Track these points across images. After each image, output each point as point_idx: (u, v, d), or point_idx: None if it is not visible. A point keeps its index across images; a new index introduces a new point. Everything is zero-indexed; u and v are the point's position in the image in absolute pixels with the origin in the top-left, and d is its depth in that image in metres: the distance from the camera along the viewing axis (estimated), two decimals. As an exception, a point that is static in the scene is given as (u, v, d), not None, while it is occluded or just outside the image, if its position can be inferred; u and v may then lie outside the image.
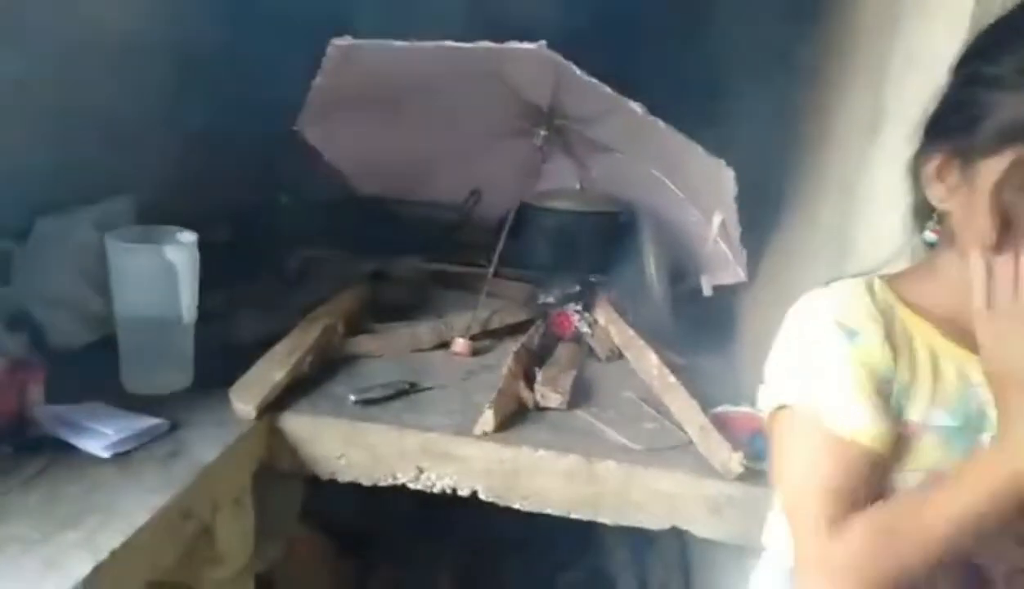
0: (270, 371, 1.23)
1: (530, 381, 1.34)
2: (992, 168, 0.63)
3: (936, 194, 0.69)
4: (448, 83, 1.57)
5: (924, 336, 0.72)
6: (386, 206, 1.80)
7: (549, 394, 1.29)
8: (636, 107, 1.27)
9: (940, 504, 0.63)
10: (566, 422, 1.26)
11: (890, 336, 0.71)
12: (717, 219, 1.41)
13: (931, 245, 0.73)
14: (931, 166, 0.69)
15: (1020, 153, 0.62)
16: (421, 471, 1.19)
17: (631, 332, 1.54)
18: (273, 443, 1.21)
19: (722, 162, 1.29)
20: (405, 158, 1.76)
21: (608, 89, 1.26)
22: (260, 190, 1.76)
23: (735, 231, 1.42)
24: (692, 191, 1.55)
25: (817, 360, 0.71)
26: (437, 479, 1.20)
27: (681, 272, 1.63)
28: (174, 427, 1.12)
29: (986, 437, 0.68)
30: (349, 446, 1.20)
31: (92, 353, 1.27)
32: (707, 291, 1.56)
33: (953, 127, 0.67)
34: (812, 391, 0.70)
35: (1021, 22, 0.65)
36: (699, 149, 1.31)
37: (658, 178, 1.62)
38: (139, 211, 1.46)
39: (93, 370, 1.19)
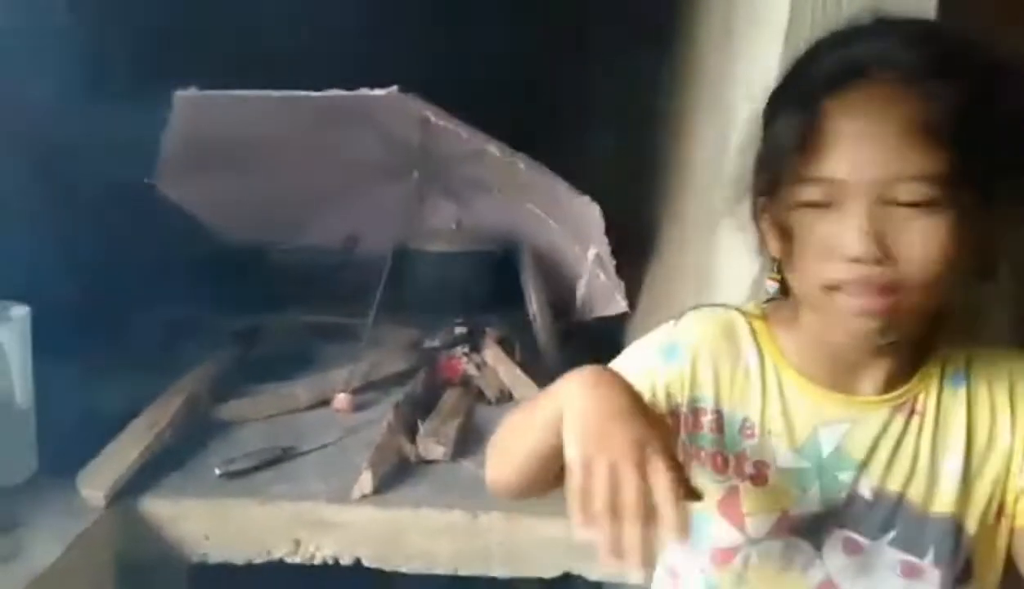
0: (123, 450, 1.14)
1: (413, 433, 1.29)
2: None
3: (771, 243, 0.68)
4: (311, 128, 1.52)
5: (780, 374, 0.70)
6: (259, 258, 1.72)
7: (431, 446, 1.24)
8: (494, 149, 1.25)
9: (513, 419, 0.70)
10: (450, 474, 1.21)
11: (733, 368, 0.70)
12: (591, 252, 1.41)
13: (774, 295, 0.71)
14: (763, 218, 0.68)
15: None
16: (298, 544, 1.12)
17: (519, 371, 1.52)
18: (131, 529, 1.10)
19: (587, 198, 1.29)
20: (273, 206, 1.69)
21: (466, 131, 1.24)
22: (115, 248, 1.64)
23: (610, 263, 1.43)
24: (568, 225, 1.55)
25: (628, 357, 0.75)
26: (316, 551, 1.12)
27: (565, 306, 1.63)
28: (12, 525, 1.00)
29: (846, 475, 0.67)
30: (216, 524, 1.11)
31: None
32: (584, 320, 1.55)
33: (758, 175, 0.67)
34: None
35: (798, 61, 0.66)
36: (564, 186, 1.31)
37: (535, 213, 1.61)
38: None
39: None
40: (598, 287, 1.57)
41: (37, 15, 1.40)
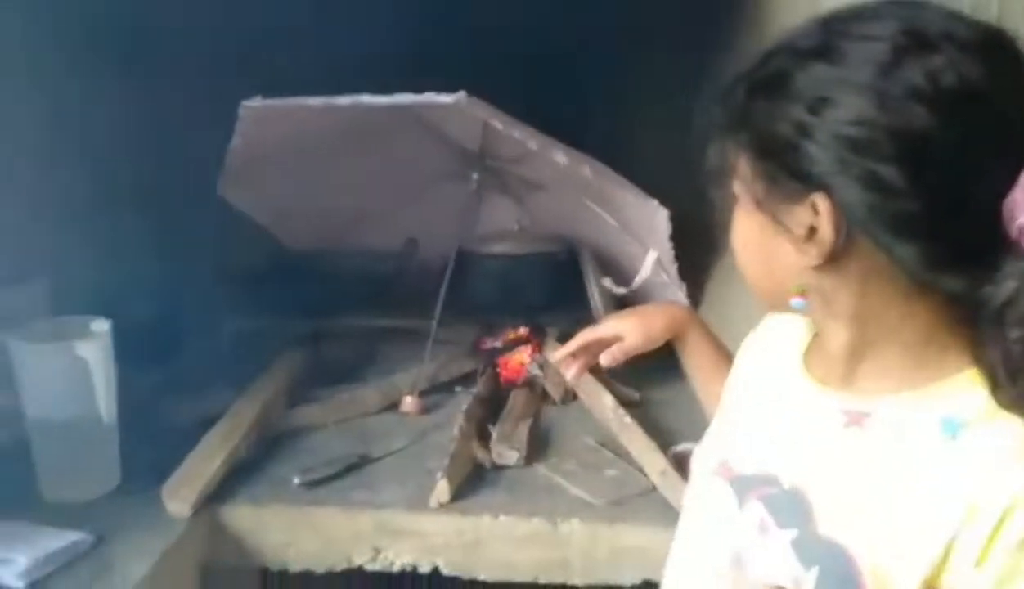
0: (204, 462, 1.15)
1: (485, 438, 1.28)
2: None
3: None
4: (373, 134, 1.51)
5: (797, 357, 0.70)
6: (321, 264, 1.73)
7: (505, 452, 1.23)
8: (561, 157, 1.23)
9: None
10: (525, 479, 1.20)
11: (768, 342, 0.76)
12: (651, 256, 1.38)
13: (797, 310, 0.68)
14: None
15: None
16: (378, 552, 1.12)
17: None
18: (215, 540, 1.12)
19: (655, 202, 1.27)
20: (336, 212, 1.70)
21: (533, 141, 1.22)
22: (184, 260, 1.67)
23: (672, 266, 1.40)
24: (629, 224, 1.52)
25: None
26: (395, 558, 1.12)
27: (626, 304, 1.60)
28: (100, 540, 1.02)
29: (776, 455, 0.66)
30: (297, 533, 1.12)
31: (4, 459, 1.17)
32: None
33: None
34: None
35: None
36: (633, 190, 1.28)
37: (595, 211, 1.59)
38: (52, 293, 1.36)
39: (5, 478, 1.09)
40: (660, 286, 1.54)
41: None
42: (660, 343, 0.96)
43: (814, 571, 0.58)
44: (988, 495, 0.51)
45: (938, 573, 0.53)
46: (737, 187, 0.63)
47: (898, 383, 0.59)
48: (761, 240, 0.63)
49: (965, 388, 0.56)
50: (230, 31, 1.66)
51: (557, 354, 1.04)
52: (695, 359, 0.96)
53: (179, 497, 1.08)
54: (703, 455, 0.76)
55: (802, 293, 0.62)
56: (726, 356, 0.92)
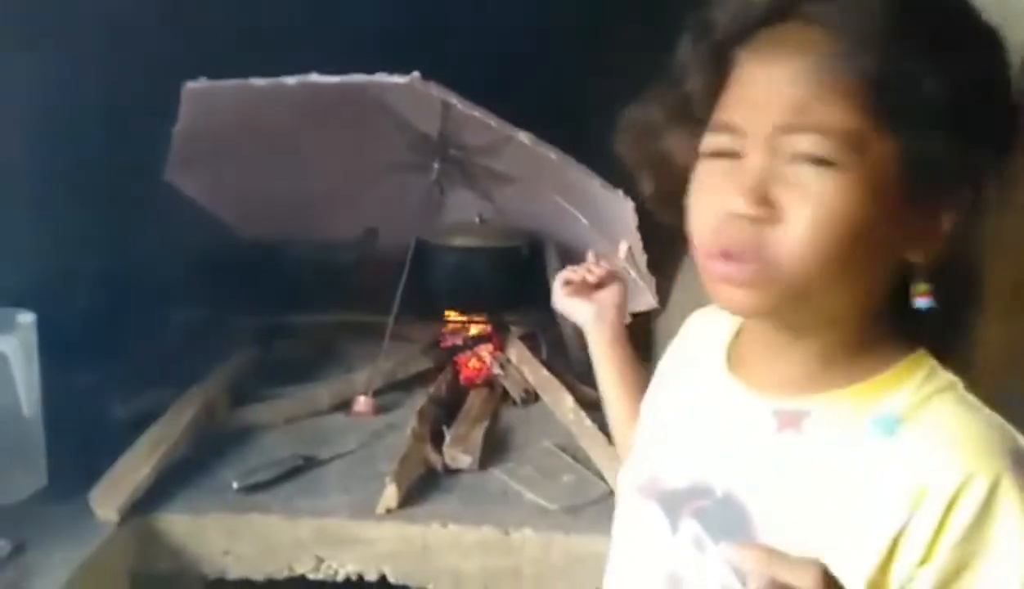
0: (137, 464, 1.09)
1: (438, 440, 1.23)
2: None
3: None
4: (328, 118, 1.45)
5: (722, 351, 0.65)
6: (274, 254, 1.66)
7: (458, 455, 1.18)
8: (524, 138, 1.18)
9: None
10: (478, 484, 1.15)
11: (687, 340, 0.73)
12: (623, 246, 1.33)
13: None
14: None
15: None
16: (321, 560, 1.07)
17: (545, 371, 1.45)
18: (147, 547, 1.06)
19: (620, 193, 1.22)
20: (291, 199, 1.62)
21: (493, 120, 1.17)
22: (130, 249, 1.59)
23: (641, 258, 1.35)
24: (597, 219, 1.47)
25: None
26: (339, 567, 1.07)
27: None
28: (20, 547, 0.95)
29: (709, 462, 0.61)
30: (235, 540, 1.06)
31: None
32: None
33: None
34: None
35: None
36: (597, 180, 1.23)
37: (562, 206, 1.54)
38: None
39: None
40: (629, 282, 1.49)
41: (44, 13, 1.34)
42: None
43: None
44: (937, 478, 0.49)
45: (883, 570, 0.50)
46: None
47: (831, 380, 0.56)
48: (877, 213, 0.50)
49: (897, 382, 0.54)
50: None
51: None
52: (612, 364, 0.87)
53: (107, 502, 1.02)
54: (629, 475, 0.70)
55: (926, 292, 0.53)
56: (641, 372, 0.87)
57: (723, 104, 0.54)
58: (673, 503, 0.62)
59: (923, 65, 0.49)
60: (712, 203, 0.53)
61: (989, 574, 0.48)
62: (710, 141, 0.54)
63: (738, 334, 0.65)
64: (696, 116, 0.56)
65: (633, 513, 0.67)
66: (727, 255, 0.52)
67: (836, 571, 0.44)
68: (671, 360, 0.75)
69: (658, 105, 0.61)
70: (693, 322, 0.74)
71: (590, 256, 0.93)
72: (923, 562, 0.49)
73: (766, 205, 0.50)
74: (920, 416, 0.52)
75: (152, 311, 1.49)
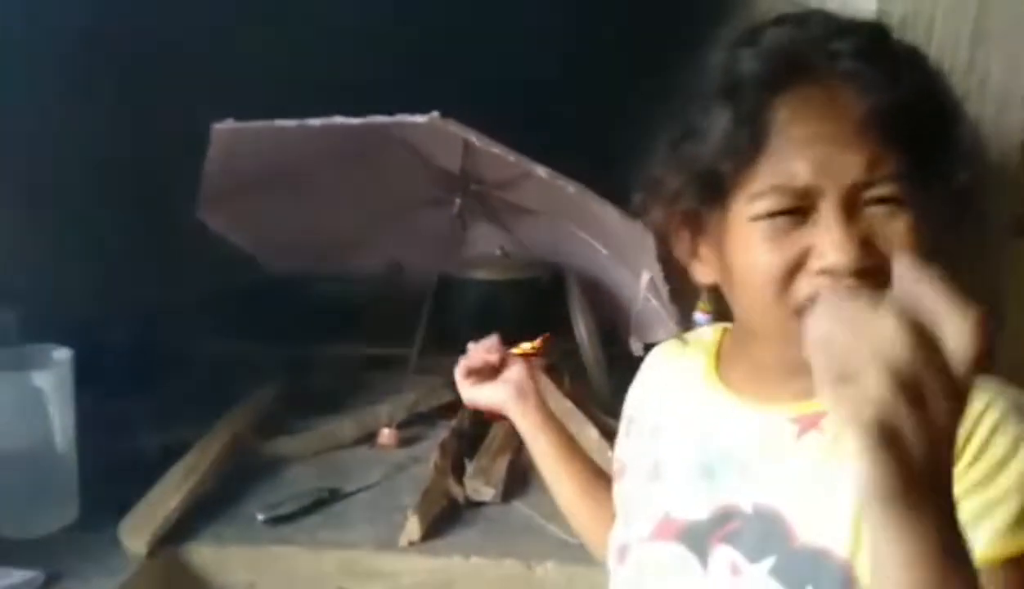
0: (165, 497, 1.10)
1: (460, 473, 1.23)
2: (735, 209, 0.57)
3: (698, 272, 0.63)
4: (352, 156, 1.49)
5: (703, 382, 0.68)
6: (301, 289, 1.69)
7: (481, 488, 1.18)
8: (542, 172, 1.20)
9: None
10: (501, 518, 1.15)
11: (659, 377, 0.74)
12: (645, 277, 1.34)
13: (701, 326, 0.71)
14: (681, 249, 0.63)
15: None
16: (344, 592, 1.07)
17: (568, 403, 1.45)
18: (174, 579, 1.07)
19: (639, 224, 1.22)
20: (318, 235, 1.67)
21: (512, 155, 1.19)
22: (161, 285, 1.63)
23: (664, 288, 1.36)
24: (617, 250, 1.49)
25: None
26: (363, 599, 1.07)
27: (614, 333, 1.56)
28: (52, 579, 0.97)
29: (730, 482, 0.62)
30: (260, 573, 1.07)
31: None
32: (637, 350, 1.49)
33: (667, 200, 0.61)
34: None
35: (715, 61, 0.61)
36: (616, 211, 1.24)
37: (583, 238, 1.55)
38: (22, 322, 1.32)
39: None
40: (649, 312, 1.49)
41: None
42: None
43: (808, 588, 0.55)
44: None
45: None
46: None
47: None
48: (925, 240, 0.55)
49: None
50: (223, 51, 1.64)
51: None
52: (550, 441, 0.88)
53: (136, 534, 1.03)
54: (632, 530, 0.68)
55: None
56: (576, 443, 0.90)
57: (772, 162, 0.55)
58: (697, 537, 0.62)
59: (927, 101, 0.54)
60: (787, 261, 0.54)
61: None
62: (772, 203, 0.55)
63: (719, 360, 0.68)
64: (724, 181, 0.57)
65: (651, 564, 0.65)
66: None
67: None
68: (640, 404, 0.76)
69: (680, 170, 0.60)
70: (653, 364, 0.78)
71: (476, 347, 0.94)
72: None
73: (863, 254, 0.53)
74: None
75: (184, 346, 1.53)
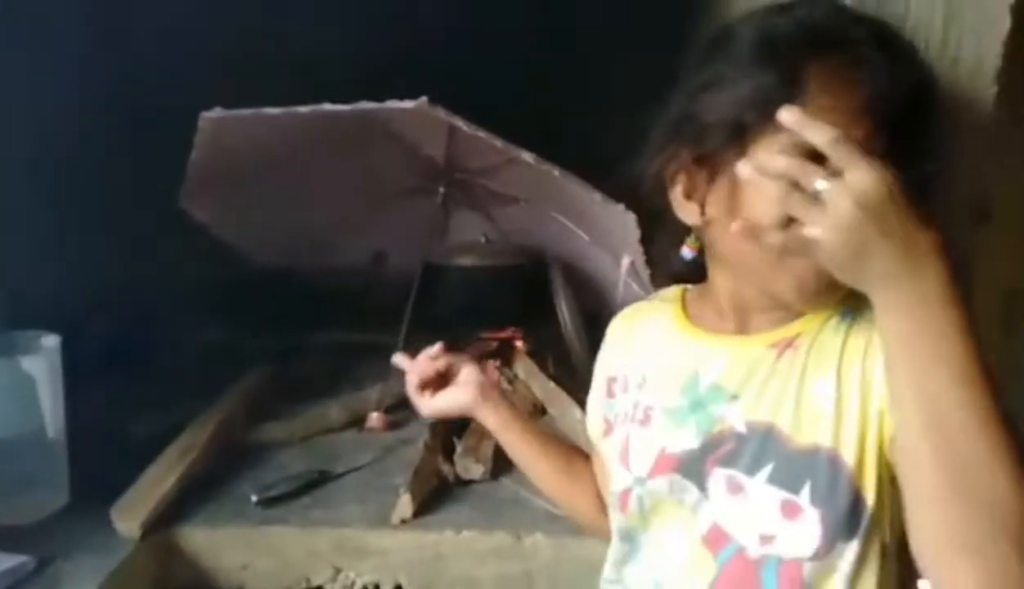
0: (158, 480, 1.11)
1: (450, 452, 1.26)
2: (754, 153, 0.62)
3: (689, 213, 0.69)
4: (337, 144, 1.50)
5: (676, 327, 0.75)
6: (289, 278, 1.70)
7: (470, 466, 1.20)
8: (528, 157, 1.22)
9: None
10: (491, 494, 1.18)
11: (633, 336, 0.80)
12: (626, 261, 1.37)
13: (691, 260, 0.76)
14: (677, 190, 0.70)
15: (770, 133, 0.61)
16: (338, 571, 1.09)
17: (552, 385, 1.48)
18: (167, 562, 1.08)
19: (621, 207, 1.25)
20: (302, 226, 1.67)
21: (498, 141, 1.21)
22: (152, 273, 1.63)
23: (644, 272, 1.39)
24: (598, 235, 1.51)
25: None
26: (356, 577, 1.09)
27: (597, 318, 1.59)
28: (43, 563, 0.98)
29: (719, 409, 0.68)
30: (254, 553, 1.09)
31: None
32: None
33: (686, 141, 0.67)
34: None
35: (716, 35, 0.68)
36: (599, 195, 1.27)
37: (564, 224, 1.58)
38: (10, 308, 1.32)
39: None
40: (631, 296, 1.52)
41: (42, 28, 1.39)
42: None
43: (805, 487, 0.62)
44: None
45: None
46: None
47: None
48: None
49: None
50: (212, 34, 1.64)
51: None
52: (524, 436, 0.96)
53: (129, 517, 1.04)
54: (632, 471, 0.73)
55: None
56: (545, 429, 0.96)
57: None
58: (693, 464, 0.68)
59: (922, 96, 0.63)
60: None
61: None
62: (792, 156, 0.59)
63: (687, 311, 0.77)
64: (747, 130, 0.62)
65: (651, 499, 0.71)
66: None
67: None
68: (622, 363, 0.81)
69: (702, 116, 0.65)
70: (621, 328, 0.85)
71: (419, 359, 0.99)
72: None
73: None
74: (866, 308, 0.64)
75: (174, 333, 1.53)
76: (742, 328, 0.70)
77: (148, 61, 1.59)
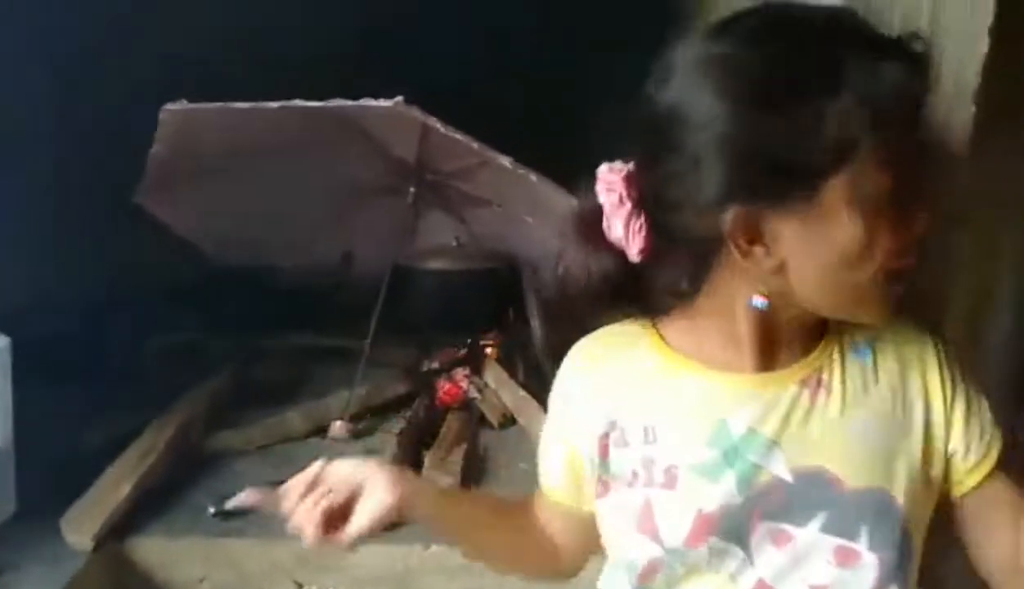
0: (110, 490, 1.07)
1: (417, 463, 1.23)
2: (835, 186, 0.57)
3: (758, 258, 0.60)
4: (306, 142, 1.46)
5: (676, 369, 0.65)
6: (251, 278, 1.65)
7: (439, 478, 1.18)
8: (505, 161, 1.20)
9: None
10: (459, 507, 1.15)
11: (610, 377, 0.67)
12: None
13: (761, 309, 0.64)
14: (739, 239, 0.59)
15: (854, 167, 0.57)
16: (300, 586, 1.05)
17: (522, 393, 1.46)
18: (120, 574, 1.03)
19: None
20: (266, 223, 1.62)
21: (474, 143, 1.19)
22: (107, 274, 1.57)
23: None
24: (572, 241, 1.50)
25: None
26: (318, 591, 1.06)
27: (563, 318, 1.57)
28: (-10, 574, 0.93)
29: (759, 457, 0.61)
30: (211, 566, 1.05)
31: None
32: None
33: (747, 194, 0.59)
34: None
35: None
36: (571, 199, 1.25)
37: (536, 228, 1.56)
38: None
39: None
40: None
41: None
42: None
43: (863, 531, 0.60)
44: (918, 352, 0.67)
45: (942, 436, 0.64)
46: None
47: (814, 345, 0.66)
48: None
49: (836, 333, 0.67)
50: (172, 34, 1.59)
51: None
52: (457, 518, 0.74)
53: (80, 528, 1.00)
54: (663, 542, 0.63)
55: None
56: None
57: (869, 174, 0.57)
58: (735, 521, 0.62)
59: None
60: (896, 236, 0.59)
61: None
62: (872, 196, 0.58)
63: (670, 343, 0.66)
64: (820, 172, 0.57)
65: (686, 568, 0.63)
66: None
67: None
68: (600, 413, 0.67)
69: (763, 163, 0.58)
70: (588, 366, 0.69)
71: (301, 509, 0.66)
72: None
73: None
74: (879, 340, 0.66)
75: (130, 336, 1.47)
76: (766, 364, 0.64)
77: (100, 55, 1.53)
